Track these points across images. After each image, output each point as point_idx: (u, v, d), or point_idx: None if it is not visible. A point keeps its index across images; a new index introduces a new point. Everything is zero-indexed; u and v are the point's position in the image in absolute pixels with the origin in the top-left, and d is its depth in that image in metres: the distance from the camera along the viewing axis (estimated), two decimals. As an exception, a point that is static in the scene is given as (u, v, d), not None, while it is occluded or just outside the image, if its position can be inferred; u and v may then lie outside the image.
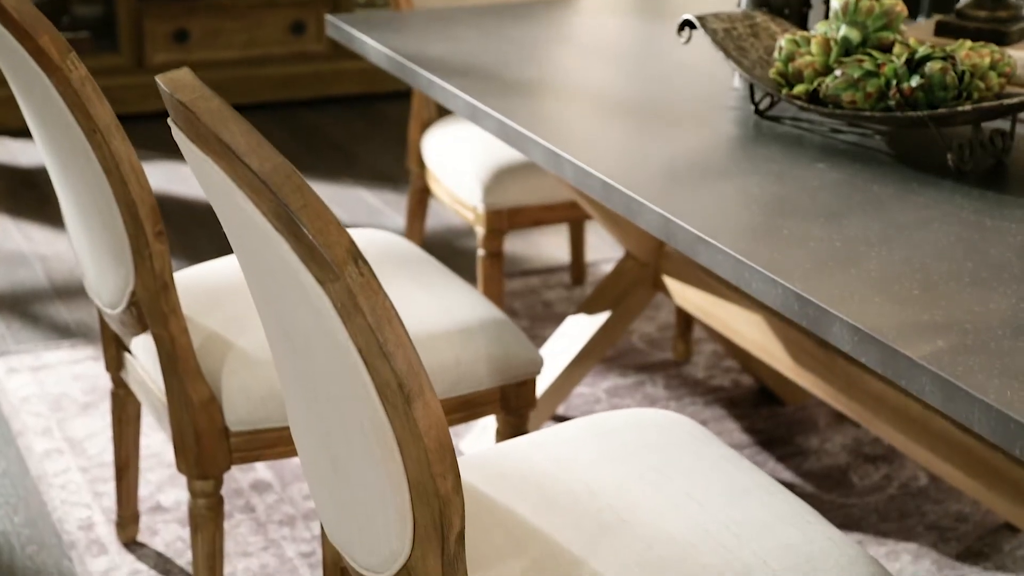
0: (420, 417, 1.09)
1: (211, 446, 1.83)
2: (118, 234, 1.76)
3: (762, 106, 2.00)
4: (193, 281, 2.05)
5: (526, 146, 1.88)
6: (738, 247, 1.51)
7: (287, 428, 1.88)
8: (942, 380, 1.22)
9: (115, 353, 2.12)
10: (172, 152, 4.34)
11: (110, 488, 2.46)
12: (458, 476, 1.12)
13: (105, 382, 2.84)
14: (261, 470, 2.55)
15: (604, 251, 3.60)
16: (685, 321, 2.97)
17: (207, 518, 1.87)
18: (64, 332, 3.12)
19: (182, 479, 2.48)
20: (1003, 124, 1.90)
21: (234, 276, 2.06)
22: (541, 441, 1.62)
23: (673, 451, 1.59)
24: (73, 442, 2.64)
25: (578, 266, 3.40)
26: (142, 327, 1.82)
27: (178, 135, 1.19)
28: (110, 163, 1.66)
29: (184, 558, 2.28)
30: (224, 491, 2.48)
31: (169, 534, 2.35)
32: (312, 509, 2.43)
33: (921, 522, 2.42)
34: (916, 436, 2.00)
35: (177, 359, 1.79)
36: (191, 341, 1.79)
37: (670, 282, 2.59)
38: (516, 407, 1.99)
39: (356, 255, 1.05)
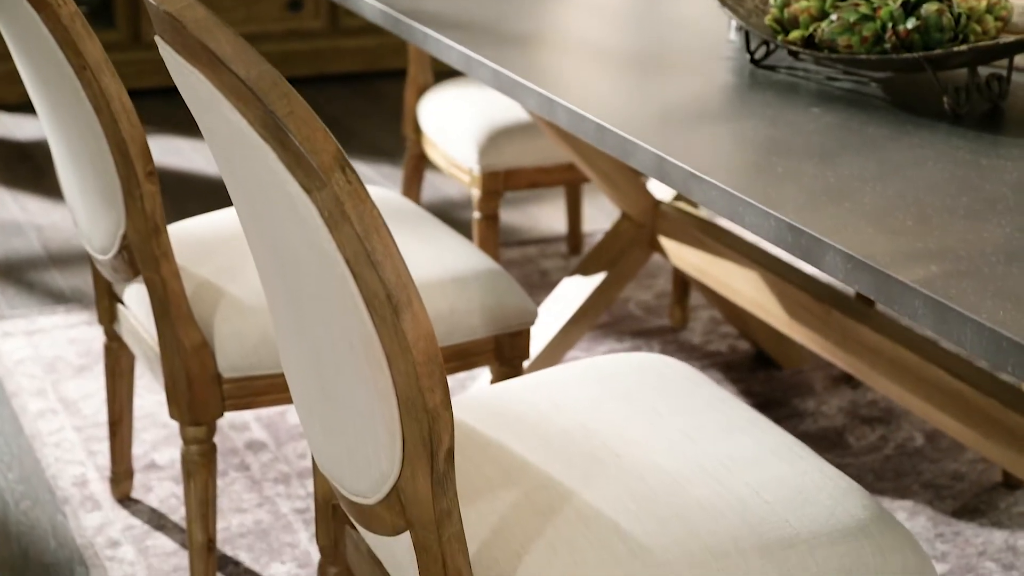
0: (408, 329, 1.08)
1: (203, 392, 1.83)
2: (109, 176, 1.75)
3: (757, 55, 1.99)
4: (186, 232, 2.04)
5: (520, 94, 1.87)
6: (731, 183, 1.50)
7: (280, 375, 1.87)
8: (934, 302, 1.22)
9: (108, 305, 2.11)
10: (168, 127, 4.33)
11: (104, 447, 2.45)
12: (447, 391, 1.11)
13: (100, 345, 2.84)
14: (256, 430, 2.55)
15: (601, 221, 3.59)
16: (682, 287, 2.97)
17: (199, 464, 1.86)
18: (59, 298, 3.11)
19: (177, 438, 2.48)
20: (1000, 69, 1.89)
21: (227, 227, 2.06)
22: (535, 383, 1.62)
23: (668, 392, 1.59)
24: (67, 402, 2.63)
25: (575, 236, 3.39)
26: (134, 272, 1.81)
27: (164, 49, 1.18)
28: (100, 101, 1.65)
29: (178, 514, 2.28)
30: (219, 450, 2.47)
31: (163, 491, 2.34)
32: (307, 467, 2.42)
33: (917, 481, 2.41)
34: (912, 387, 1.99)
35: (169, 304, 1.78)
36: (183, 286, 1.78)
37: (666, 242, 2.58)
38: (510, 358, 1.98)
39: (343, 163, 1.04)
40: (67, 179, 1.97)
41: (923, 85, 1.88)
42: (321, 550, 1.60)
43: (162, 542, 2.19)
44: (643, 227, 2.62)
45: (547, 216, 3.69)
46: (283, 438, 2.53)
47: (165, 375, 1.83)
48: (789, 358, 2.79)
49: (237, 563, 2.15)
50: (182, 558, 2.15)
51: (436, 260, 1.98)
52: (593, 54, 2.03)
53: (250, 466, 2.43)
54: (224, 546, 2.19)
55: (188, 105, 1.22)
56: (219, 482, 2.37)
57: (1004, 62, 1.90)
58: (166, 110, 4.48)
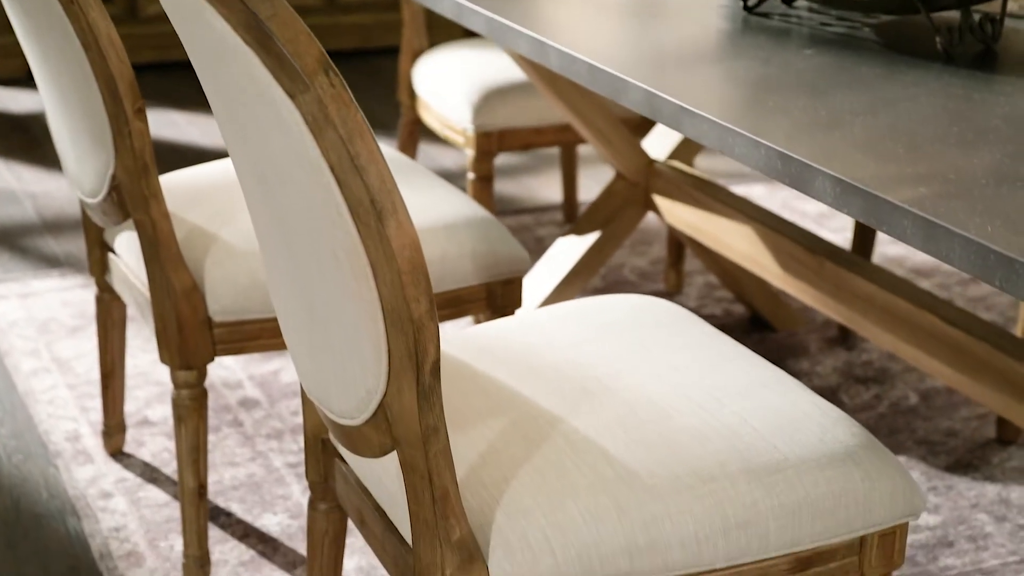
0: (393, 236, 1.07)
1: (194, 336, 1.82)
2: (98, 115, 1.74)
3: (751, 2, 1.98)
4: (176, 181, 2.04)
5: (512, 39, 1.87)
6: (722, 116, 1.49)
7: (270, 320, 1.86)
8: (923, 221, 1.21)
9: (99, 256, 2.10)
10: (165, 101, 4.33)
11: (97, 404, 2.45)
12: (432, 301, 1.11)
13: (93, 308, 2.83)
14: (249, 388, 2.54)
15: (596, 191, 3.59)
16: (676, 252, 2.96)
17: (190, 409, 1.86)
18: (53, 262, 3.11)
19: (170, 395, 2.47)
20: (993, 11, 1.89)
21: (217, 176, 2.05)
22: (525, 322, 1.61)
23: (659, 329, 1.58)
24: (60, 362, 2.62)
25: (570, 204, 3.38)
26: (124, 214, 1.81)
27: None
28: (88, 37, 1.65)
29: (171, 467, 2.27)
30: (212, 407, 2.47)
31: (156, 445, 2.34)
32: (299, 424, 2.42)
33: (911, 438, 2.41)
34: (904, 335, 1.99)
35: (159, 245, 1.77)
36: (172, 227, 1.77)
37: (660, 200, 2.58)
38: (502, 306, 1.98)
39: (327, 66, 1.03)
40: (57, 124, 1.96)
41: (917, 28, 1.87)
42: (311, 486, 1.60)
43: (154, 494, 2.19)
44: (637, 186, 2.62)
45: (542, 186, 3.68)
46: (276, 396, 2.52)
47: (155, 319, 1.82)
48: (784, 320, 2.79)
49: (229, 514, 2.14)
50: (174, 509, 2.14)
51: (427, 207, 1.97)
52: (586, 2, 2.03)
53: (243, 422, 2.43)
54: (216, 498, 2.18)
55: (170, 17, 1.21)
56: (212, 437, 2.37)
57: (997, 4, 1.90)
58: (162, 84, 4.48)
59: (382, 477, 1.37)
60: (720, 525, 1.30)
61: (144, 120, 1.69)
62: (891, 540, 1.38)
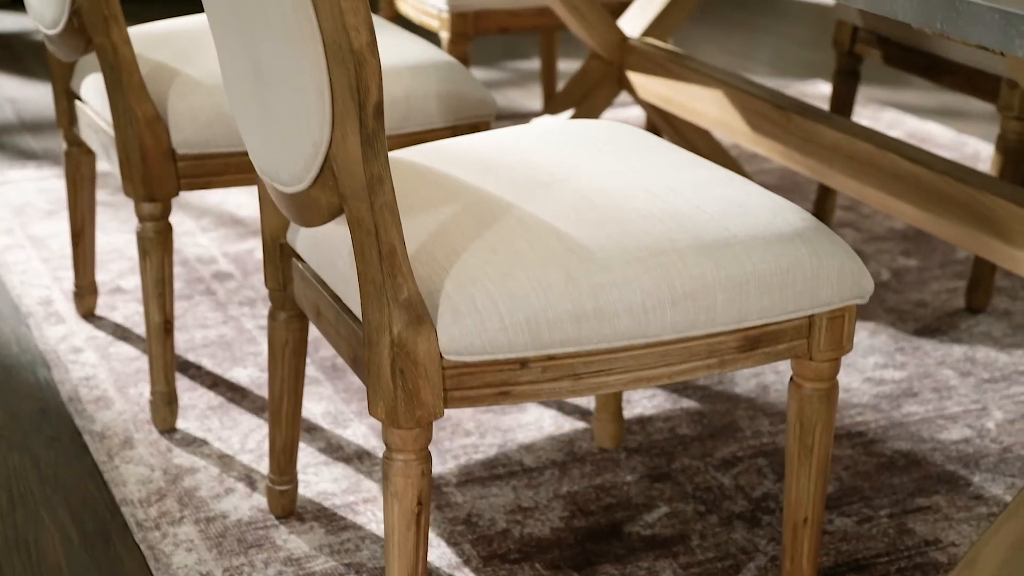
0: (333, -36, 1.08)
1: (157, 167, 1.83)
2: (60, -64, 1.75)
3: None
4: (143, 30, 2.04)
5: None
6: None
7: (234, 154, 1.87)
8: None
9: (66, 106, 2.11)
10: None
11: (70, 275, 2.46)
12: (372, 33, 1.11)
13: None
14: (223, 263, 2.55)
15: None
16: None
17: (155, 242, 1.87)
18: (30, 156, 3.11)
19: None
20: None
21: (185, 25, 2.06)
22: (484, 136, 1.62)
23: (619, 139, 1.59)
24: (35, 239, 2.63)
25: (549, 94, 3.39)
26: (85, 40, 1.81)
27: None
28: None
29: (141, 328, 2.28)
30: (185, 279, 2.47)
31: (128, 310, 2.35)
32: (272, 293, 2.43)
33: (880, 307, 2.42)
34: (868, 178, 1.99)
35: (120, 71, 1.78)
36: (134, 53, 1.78)
37: (633, 77, 2.58)
38: (468, 151, 1.99)
39: None
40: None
41: None
42: (271, 296, 1.61)
43: (124, 350, 2.20)
44: (611, 64, 2.62)
45: (525, 97, 3.69)
46: (250, 270, 2.53)
47: (119, 150, 1.83)
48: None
49: (199, 367, 2.15)
50: (144, 363, 2.15)
51: (392, 49, 1.98)
52: None
53: (216, 292, 2.44)
54: (187, 354, 2.19)
55: None
56: (184, 304, 2.38)
57: None
58: None
59: (335, 261, 1.38)
60: (668, 295, 1.31)
61: (104, -62, 1.69)
62: (840, 323, 1.40)
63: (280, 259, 1.56)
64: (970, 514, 1.78)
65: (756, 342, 1.36)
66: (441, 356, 1.27)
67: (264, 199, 1.55)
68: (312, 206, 1.28)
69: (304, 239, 1.47)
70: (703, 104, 2.38)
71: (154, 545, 1.69)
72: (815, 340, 1.39)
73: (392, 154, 1.56)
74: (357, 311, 1.35)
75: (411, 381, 1.26)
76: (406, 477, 1.29)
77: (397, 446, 1.29)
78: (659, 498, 1.81)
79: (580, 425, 1.99)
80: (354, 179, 1.20)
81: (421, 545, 1.32)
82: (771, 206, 1.42)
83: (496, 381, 1.29)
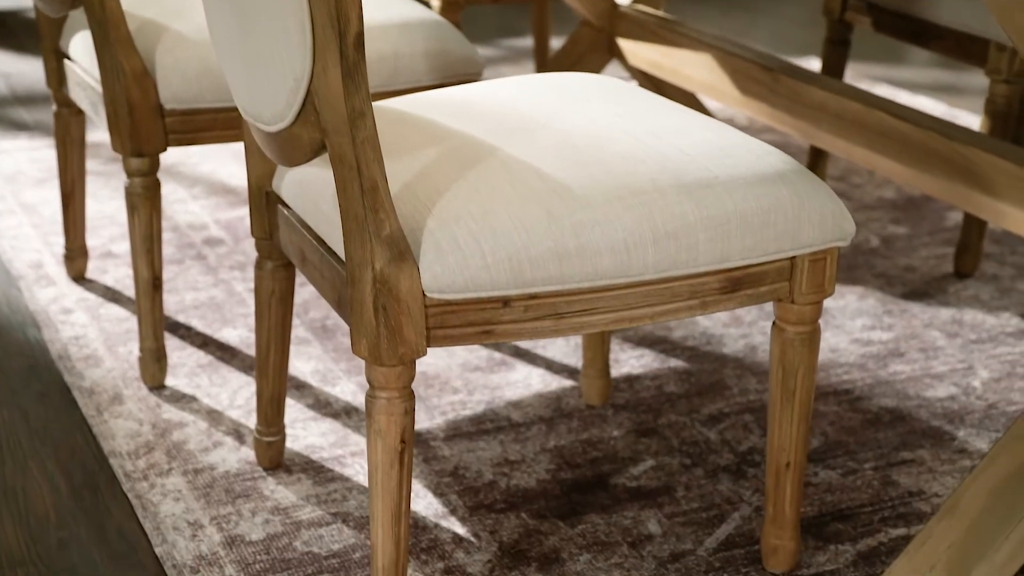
0: None
1: (145, 122, 1.83)
2: None
3: None
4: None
5: None
6: None
7: (222, 110, 1.87)
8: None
9: (55, 66, 2.11)
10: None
11: (61, 240, 2.46)
12: (353, -36, 1.12)
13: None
14: (214, 229, 2.56)
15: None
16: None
17: (143, 197, 1.87)
18: (22, 127, 3.12)
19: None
20: None
21: (176, -15, 2.07)
22: (467, 87, 1.62)
23: (602, 89, 1.60)
24: (26, 206, 2.64)
25: (541, 63, 3.40)
26: (73, -3, 1.82)
27: None
28: None
29: (132, 291, 2.29)
30: (176, 244, 2.48)
31: (118, 273, 2.35)
32: (262, 258, 2.44)
33: (869, 272, 2.43)
34: (855, 136, 2.00)
35: (108, 25, 1.78)
36: (121, 7, 1.78)
37: (624, 44, 2.59)
38: (456, 110, 1.99)
39: None
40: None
41: None
42: (257, 245, 1.62)
43: (115, 311, 2.21)
44: (602, 32, 2.63)
45: (517, 75, 3.70)
46: (241, 236, 2.54)
47: (106, 105, 1.83)
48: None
49: (189, 328, 2.16)
50: (133, 323, 2.16)
51: (381, 8, 1.98)
52: None
53: (207, 256, 2.44)
54: (177, 315, 2.20)
55: None
56: (175, 268, 2.38)
57: None
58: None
59: (319, 203, 1.39)
60: (649, 234, 1.31)
61: None
62: (821, 266, 1.40)
63: (266, 208, 1.57)
64: (954, 467, 1.79)
65: (738, 283, 1.37)
66: (423, 294, 1.27)
67: (250, 148, 1.55)
68: (295, 143, 1.29)
69: (289, 184, 1.48)
70: (692, 69, 2.38)
71: (142, 495, 1.69)
72: (797, 282, 1.40)
73: (377, 103, 1.56)
74: (341, 252, 1.35)
75: (393, 318, 1.26)
76: (389, 415, 1.30)
77: (380, 384, 1.29)
78: (645, 452, 1.81)
79: (568, 383, 2.00)
80: (335, 113, 1.20)
81: (404, 483, 1.33)
82: (753, 149, 1.42)
83: (478, 320, 1.30)
